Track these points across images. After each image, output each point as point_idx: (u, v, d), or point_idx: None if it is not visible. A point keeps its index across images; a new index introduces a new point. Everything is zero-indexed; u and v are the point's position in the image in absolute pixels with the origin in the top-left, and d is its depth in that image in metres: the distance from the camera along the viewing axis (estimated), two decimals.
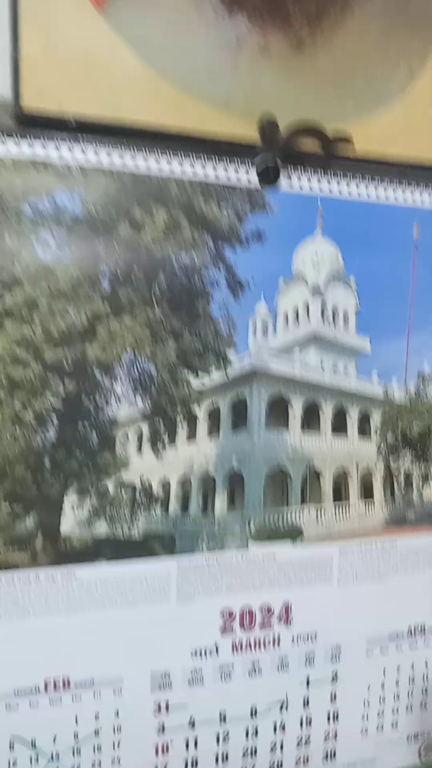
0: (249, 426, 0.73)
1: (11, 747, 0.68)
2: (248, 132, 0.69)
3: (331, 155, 0.71)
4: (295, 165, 0.71)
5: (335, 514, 0.77)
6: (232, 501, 0.73)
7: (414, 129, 0.77)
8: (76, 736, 0.70)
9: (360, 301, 0.76)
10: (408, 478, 0.82)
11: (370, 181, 0.74)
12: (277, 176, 0.69)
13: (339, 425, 0.78)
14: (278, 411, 0.75)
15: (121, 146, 0.64)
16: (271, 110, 0.69)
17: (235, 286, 0.69)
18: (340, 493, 0.78)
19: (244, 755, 0.78)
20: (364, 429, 0.79)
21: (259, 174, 0.68)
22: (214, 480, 0.72)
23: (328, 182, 0.72)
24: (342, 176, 0.73)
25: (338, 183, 0.73)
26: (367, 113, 0.75)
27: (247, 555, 0.74)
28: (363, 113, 0.75)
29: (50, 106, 0.62)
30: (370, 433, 0.79)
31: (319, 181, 0.72)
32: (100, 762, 0.71)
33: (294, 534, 0.75)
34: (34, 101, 0.61)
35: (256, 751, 0.78)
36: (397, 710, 0.86)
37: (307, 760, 0.81)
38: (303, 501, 0.75)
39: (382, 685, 0.84)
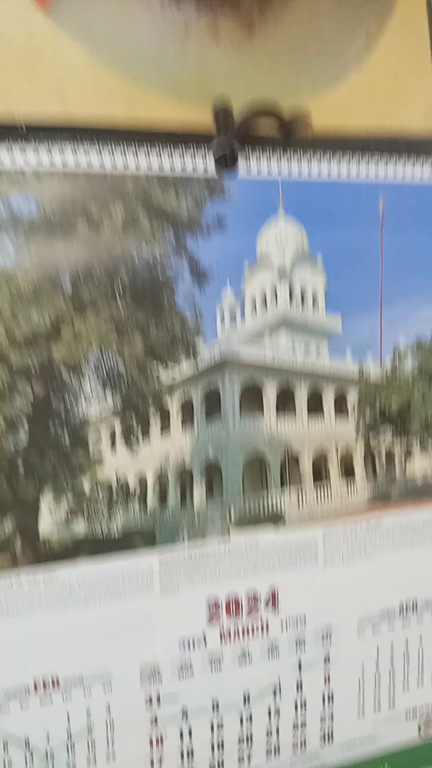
0: (223, 414, 0.80)
1: (5, 748, 0.76)
2: (202, 118, 0.75)
3: (288, 135, 0.77)
4: (252, 148, 0.77)
5: (317, 495, 0.85)
6: (210, 490, 0.80)
7: (375, 97, 0.82)
8: (69, 733, 0.78)
9: (329, 278, 0.83)
10: (390, 454, 0.89)
11: (332, 157, 0.80)
12: (234, 161, 0.75)
13: (315, 406, 0.85)
14: (252, 397, 0.82)
15: (72, 144, 0.70)
16: (224, 95, 0.75)
17: (199, 274, 0.76)
18: (320, 475, 0.85)
19: (239, 742, 0.86)
20: (341, 408, 0.86)
21: (216, 160, 0.74)
22: (191, 471, 0.79)
23: (288, 162, 0.78)
24: (302, 154, 0.79)
25: (298, 162, 0.79)
26: (324, 86, 0.81)
27: (229, 543, 0.81)
28: (320, 87, 0.80)
29: None
30: (347, 412, 0.86)
31: (278, 161, 0.78)
32: (95, 758, 0.79)
33: (275, 519, 0.82)
34: None
35: (251, 738, 0.87)
36: (393, 687, 0.94)
37: (305, 744, 0.90)
38: (283, 485, 0.83)
39: (376, 663, 0.92)
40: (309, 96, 0.79)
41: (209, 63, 0.76)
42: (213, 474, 0.79)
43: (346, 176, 0.80)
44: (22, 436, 0.71)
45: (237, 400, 0.80)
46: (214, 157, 0.73)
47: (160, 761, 0.81)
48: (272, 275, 0.80)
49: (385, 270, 0.84)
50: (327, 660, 0.89)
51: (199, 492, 0.79)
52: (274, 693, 0.86)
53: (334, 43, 0.80)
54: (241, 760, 0.85)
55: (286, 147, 0.77)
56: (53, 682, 0.76)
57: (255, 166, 0.77)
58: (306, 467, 0.84)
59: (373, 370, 0.85)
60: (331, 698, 0.90)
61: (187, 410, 0.78)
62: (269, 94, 0.77)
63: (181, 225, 0.74)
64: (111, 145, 0.71)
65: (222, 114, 0.73)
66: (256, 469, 0.81)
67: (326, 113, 0.80)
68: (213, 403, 0.79)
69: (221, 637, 0.82)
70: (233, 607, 0.82)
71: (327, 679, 0.89)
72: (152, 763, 0.81)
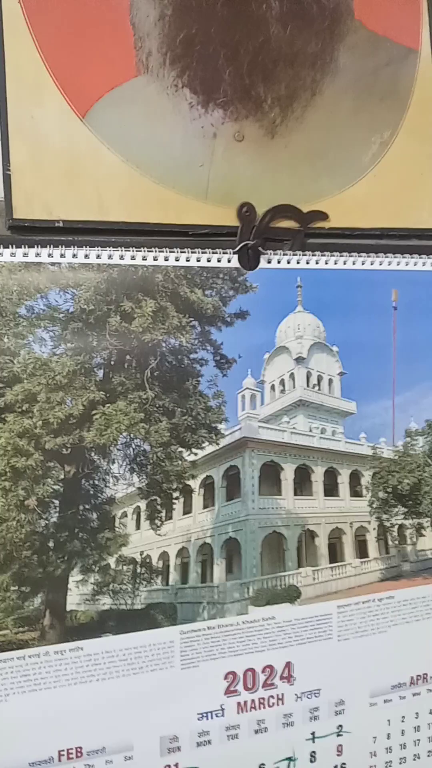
0: (243, 494, 0.83)
1: None
2: (228, 217, 0.80)
3: (306, 233, 0.82)
4: (274, 246, 0.81)
5: (332, 572, 0.87)
6: (230, 568, 0.82)
7: (387, 198, 0.87)
8: None
9: (344, 365, 0.86)
10: (401, 531, 0.92)
11: (348, 253, 0.85)
12: (257, 258, 0.79)
13: (331, 486, 0.88)
14: (271, 476, 0.85)
15: (108, 245, 0.74)
16: (248, 195, 0.80)
17: (223, 363, 0.80)
18: (335, 552, 0.88)
19: None
20: (355, 488, 0.89)
21: (239, 257, 0.79)
22: (211, 549, 0.82)
23: (306, 258, 0.83)
24: (320, 251, 0.83)
25: (316, 257, 0.83)
26: (341, 188, 0.85)
27: (247, 619, 0.83)
28: (338, 188, 0.85)
29: (40, 213, 0.73)
30: (361, 492, 0.89)
31: (297, 257, 0.83)
32: None
33: (292, 595, 0.85)
34: (24, 210, 0.72)
35: None
36: (404, 759, 0.95)
37: None
38: (299, 563, 0.85)
39: (388, 735, 0.94)
40: (327, 197, 0.84)
41: (235, 165, 0.81)
42: (233, 551, 0.82)
43: (360, 268, 0.84)
44: (54, 516, 0.74)
45: (257, 478, 0.83)
46: (237, 254, 0.78)
47: None
48: (291, 362, 0.84)
49: (397, 357, 0.88)
50: (340, 731, 0.90)
51: (219, 570, 0.81)
52: (289, 764, 0.88)
53: (351, 148, 0.85)
54: None
55: (304, 243, 0.81)
56: (77, 753, 0.77)
57: (276, 262, 0.81)
58: (322, 545, 0.86)
59: (386, 452, 0.88)
60: None
61: (208, 489, 0.81)
62: (290, 195, 0.82)
63: (206, 318, 0.78)
64: (143, 243, 0.75)
65: (245, 218, 0.77)
66: (274, 546, 0.84)
67: (342, 212, 0.84)
68: (234, 482, 0.82)
69: (239, 708, 0.84)
70: (250, 679, 0.84)
71: (339, 751, 0.90)
72: None
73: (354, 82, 0.84)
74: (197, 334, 0.78)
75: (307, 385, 0.85)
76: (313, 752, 0.89)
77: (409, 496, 0.90)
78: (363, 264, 0.85)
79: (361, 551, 0.89)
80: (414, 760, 0.95)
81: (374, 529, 0.90)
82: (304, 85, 0.82)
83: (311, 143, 0.83)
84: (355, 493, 0.88)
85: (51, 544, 0.74)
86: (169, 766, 0.82)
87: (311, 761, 0.89)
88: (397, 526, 0.91)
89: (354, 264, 0.84)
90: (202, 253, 0.78)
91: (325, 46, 0.82)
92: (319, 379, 0.86)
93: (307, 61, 0.81)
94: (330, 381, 0.86)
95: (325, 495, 0.87)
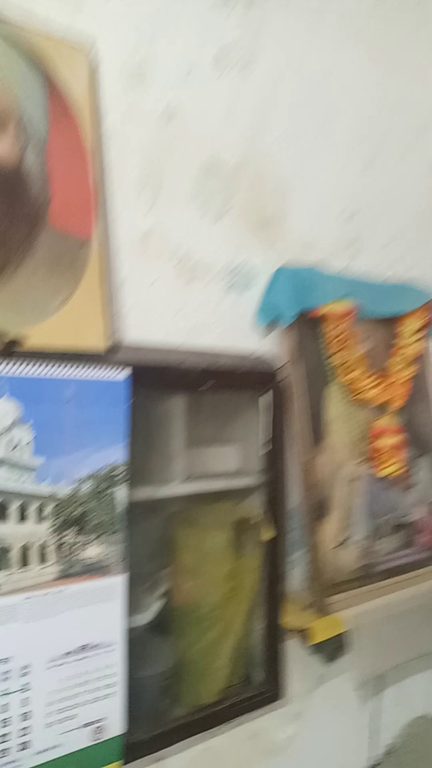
0: None
1: None
2: None
3: (10, 348, 1.21)
4: None
5: (22, 574, 1.23)
6: None
7: (69, 328, 1.29)
8: None
9: (40, 434, 1.25)
10: (73, 545, 1.30)
11: (43, 362, 1.24)
12: None
13: (23, 515, 1.24)
14: None
15: None
16: None
17: None
18: (26, 559, 1.24)
19: None
20: (41, 516, 1.26)
21: None
22: None
23: (11, 366, 1.21)
24: (21, 361, 1.22)
25: (18, 366, 1.22)
26: (38, 320, 1.26)
27: None
28: (35, 320, 1.26)
29: None
30: (45, 518, 1.27)
31: (3, 365, 1.21)
32: None
33: None
34: None
35: None
36: (75, 706, 1.29)
37: (6, 751, 1.22)
38: None
39: (62, 689, 1.28)
40: (27, 325, 1.23)
41: None
42: None
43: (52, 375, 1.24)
44: None
45: None
46: None
47: None
48: None
49: (73, 431, 1.28)
50: (26, 687, 1.24)
51: None
52: None
53: (42, 299, 1.26)
54: None
55: (7, 356, 1.20)
56: None
57: None
58: (15, 556, 1.22)
59: (63, 491, 1.27)
60: (29, 716, 1.24)
61: None
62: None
63: None
64: None
65: None
66: None
67: (39, 336, 1.24)
68: None
69: None
70: None
71: (27, 702, 1.24)
72: None
73: (46, 260, 1.26)
74: None
75: (10, 449, 1.23)
76: (6, 704, 1.22)
77: (78, 520, 1.29)
78: (54, 370, 1.25)
79: (44, 559, 1.25)
80: (83, 707, 1.30)
81: (53, 543, 1.27)
82: (10, 261, 1.23)
83: (18, 289, 1.23)
84: (41, 519, 1.26)
85: None
86: None
87: (3, 711, 1.22)
88: (70, 542, 1.29)
89: (48, 370, 1.24)
90: None
91: (28, 239, 1.23)
92: (18, 444, 1.23)
93: (14, 246, 1.22)
94: (26, 445, 1.24)
95: (19, 521, 1.23)
